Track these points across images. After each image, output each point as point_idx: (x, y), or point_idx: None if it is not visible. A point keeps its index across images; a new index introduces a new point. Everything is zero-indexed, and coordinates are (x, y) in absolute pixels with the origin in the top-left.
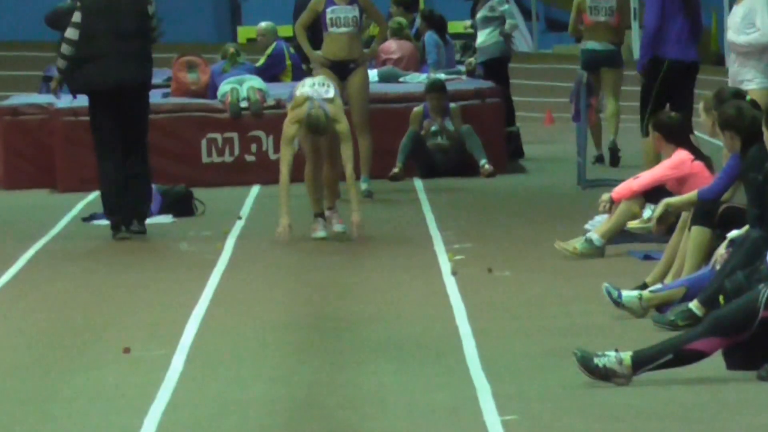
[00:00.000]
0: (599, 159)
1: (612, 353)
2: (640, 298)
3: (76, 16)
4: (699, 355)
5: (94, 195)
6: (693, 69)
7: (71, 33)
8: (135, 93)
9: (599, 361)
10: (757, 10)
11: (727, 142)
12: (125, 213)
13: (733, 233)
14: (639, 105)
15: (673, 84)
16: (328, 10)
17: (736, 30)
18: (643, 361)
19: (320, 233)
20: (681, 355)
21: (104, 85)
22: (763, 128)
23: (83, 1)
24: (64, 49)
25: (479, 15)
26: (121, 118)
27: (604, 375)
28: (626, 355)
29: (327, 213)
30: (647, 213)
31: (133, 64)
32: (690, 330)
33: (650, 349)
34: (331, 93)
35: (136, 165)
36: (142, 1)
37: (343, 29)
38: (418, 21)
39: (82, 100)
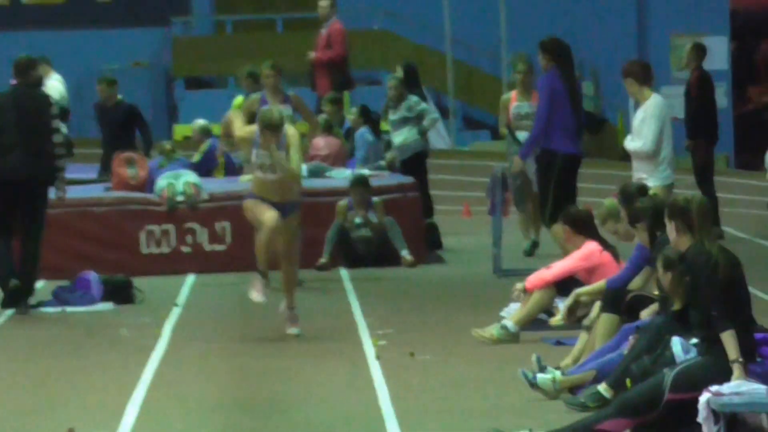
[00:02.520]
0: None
1: None
2: (554, 380)
3: None
4: None
5: (40, 285)
6: (579, 162)
7: None
8: (36, 186)
9: None
10: (647, 119)
11: (638, 234)
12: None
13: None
14: (540, 197)
15: (566, 176)
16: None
17: (633, 133)
18: None
19: (258, 298)
20: None
21: (13, 177)
22: (666, 221)
23: None
24: None
25: (397, 116)
26: (19, 207)
27: None
28: None
29: (287, 313)
30: (561, 305)
31: (31, 159)
32: (599, 411)
33: (562, 430)
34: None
35: (31, 243)
36: (44, 104)
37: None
38: (348, 119)
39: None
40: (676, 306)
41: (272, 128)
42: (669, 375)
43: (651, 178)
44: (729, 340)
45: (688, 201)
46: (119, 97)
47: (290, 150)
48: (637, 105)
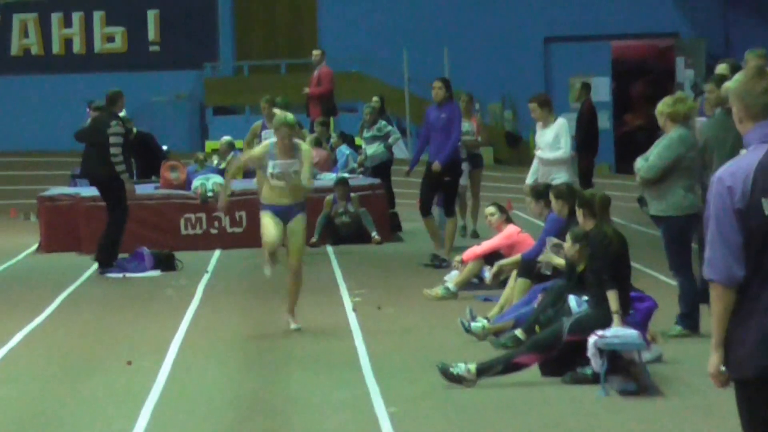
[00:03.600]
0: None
1: (462, 365)
2: (483, 327)
3: None
4: (522, 366)
5: None
6: None
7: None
8: (101, 184)
9: (454, 370)
10: (561, 134)
11: (557, 208)
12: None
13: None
14: (446, 198)
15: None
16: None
17: (547, 147)
18: (484, 370)
19: (268, 271)
20: (510, 366)
21: (86, 176)
22: (576, 208)
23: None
24: None
25: (369, 134)
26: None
27: (457, 380)
28: (472, 366)
29: (286, 316)
30: (486, 273)
31: (96, 164)
32: (516, 349)
33: (489, 362)
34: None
35: (108, 225)
36: (104, 125)
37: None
38: (333, 137)
39: (95, 191)
40: (580, 269)
41: (288, 125)
42: (567, 322)
43: (560, 177)
44: (612, 296)
45: (593, 195)
46: (134, 129)
47: (305, 163)
48: (543, 126)
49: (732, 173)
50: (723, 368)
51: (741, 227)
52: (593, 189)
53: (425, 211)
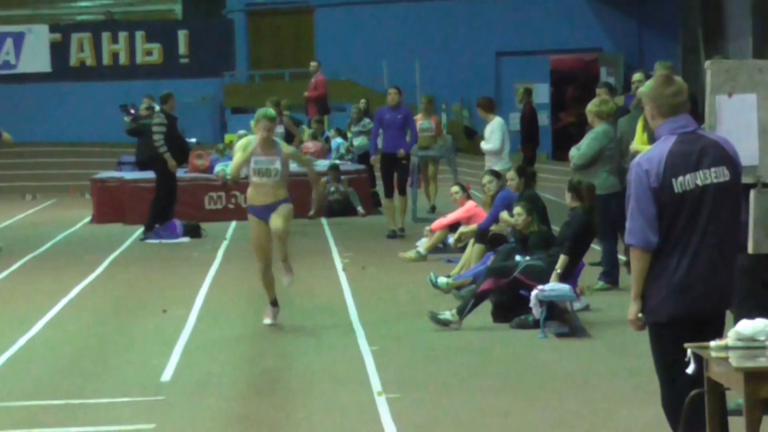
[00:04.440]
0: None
1: (447, 312)
2: (447, 283)
3: None
4: (487, 293)
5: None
6: None
7: None
8: (146, 164)
9: (441, 316)
10: (494, 131)
11: (515, 183)
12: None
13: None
14: (399, 180)
15: None
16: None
17: (485, 139)
18: (461, 310)
19: (268, 321)
20: (478, 297)
21: (138, 163)
22: (566, 191)
23: None
24: None
25: (355, 129)
26: None
27: (445, 324)
28: (454, 311)
29: (282, 264)
30: (450, 239)
31: (148, 148)
32: (478, 282)
33: (463, 303)
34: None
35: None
36: (152, 117)
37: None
38: (329, 132)
39: (137, 174)
40: (531, 230)
41: (268, 118)
42: (522, 263)
43: (498, 164)
44: (562, 260)
45: (580, 182)
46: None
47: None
48: (485, 123)
49: (648, 159)
50: (640, 315)
51: (655, 202)
52: (579, 177)
53: (389, 193)
